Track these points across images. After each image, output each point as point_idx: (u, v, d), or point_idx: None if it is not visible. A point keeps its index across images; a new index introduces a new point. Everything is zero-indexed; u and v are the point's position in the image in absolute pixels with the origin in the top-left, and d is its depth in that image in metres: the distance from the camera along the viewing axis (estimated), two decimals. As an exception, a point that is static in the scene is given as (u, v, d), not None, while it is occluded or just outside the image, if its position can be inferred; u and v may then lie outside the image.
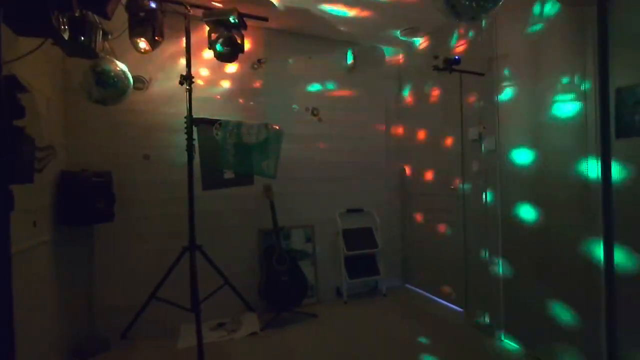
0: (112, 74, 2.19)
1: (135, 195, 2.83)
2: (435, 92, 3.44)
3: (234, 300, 2.95)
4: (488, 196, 2.73)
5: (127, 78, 2.29)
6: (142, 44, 2.29)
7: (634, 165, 1.83)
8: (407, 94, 3.88)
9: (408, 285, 3.85)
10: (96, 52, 1.90)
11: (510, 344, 2.52)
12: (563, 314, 2.16)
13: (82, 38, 1.79)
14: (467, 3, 1.72)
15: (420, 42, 3.64)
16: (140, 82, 2.85)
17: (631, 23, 1.84)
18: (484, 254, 2.76)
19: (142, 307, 2.60)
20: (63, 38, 1.50)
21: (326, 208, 3.56)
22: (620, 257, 1.88)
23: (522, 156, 2.45)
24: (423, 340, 2.63)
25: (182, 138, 2.48)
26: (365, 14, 3.07)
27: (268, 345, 2.61)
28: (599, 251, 1.96)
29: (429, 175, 3.54)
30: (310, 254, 3.48)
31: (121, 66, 2.29)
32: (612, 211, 1.92)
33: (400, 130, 3.95)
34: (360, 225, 3.65)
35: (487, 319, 2.72)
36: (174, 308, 2.49)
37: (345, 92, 3.70)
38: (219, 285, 2.78)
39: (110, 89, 2.18)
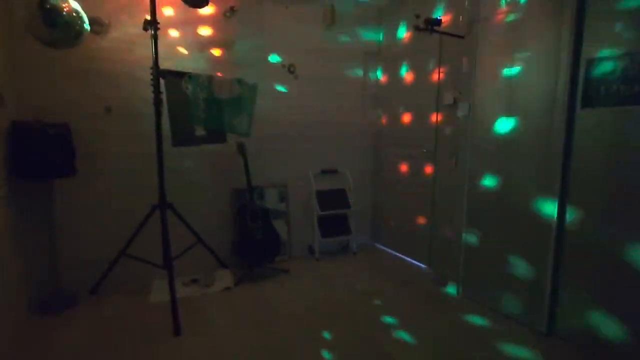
0: (63, 12, 1.95)
1: (99, 148, 2.68)
2: (413, 53, 3.37)
3: (207, 257, 2.97)
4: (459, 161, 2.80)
5: (80, 18, 2.05)
6: (98, -21, 2.04)
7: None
8: (384, 49, 3.77)
9: (377, 244, 4.02)
10: (42, -15, 1.68)
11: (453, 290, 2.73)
12: (519, 266, 2.36)
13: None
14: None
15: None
16: (98, 25, 2.58)
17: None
18: (450, 216, 2.90)
19: (112, 264, 2.56)
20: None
21: (300, 168, 3.54)
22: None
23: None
24: (386, 291, 2.80)
25: (148, 90, 2.32)
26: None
27: (242, 298, 2.68)
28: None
29: (403, 137, 3.56)
30: (283, 213, 3.51)
31: (74, 4, 2.04)
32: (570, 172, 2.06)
33: (376, 89, 3.88)
34: (333, 186, 3.68)
35: (446, 273, 2.91)
36: (146, 265, 2.48)
37: (322, 48, 3.53)
38: (192, 243, 2.77)
39: (61, 29, 1.95)
